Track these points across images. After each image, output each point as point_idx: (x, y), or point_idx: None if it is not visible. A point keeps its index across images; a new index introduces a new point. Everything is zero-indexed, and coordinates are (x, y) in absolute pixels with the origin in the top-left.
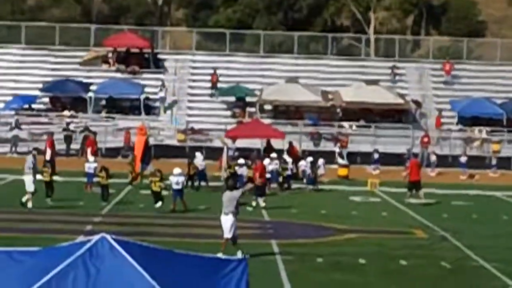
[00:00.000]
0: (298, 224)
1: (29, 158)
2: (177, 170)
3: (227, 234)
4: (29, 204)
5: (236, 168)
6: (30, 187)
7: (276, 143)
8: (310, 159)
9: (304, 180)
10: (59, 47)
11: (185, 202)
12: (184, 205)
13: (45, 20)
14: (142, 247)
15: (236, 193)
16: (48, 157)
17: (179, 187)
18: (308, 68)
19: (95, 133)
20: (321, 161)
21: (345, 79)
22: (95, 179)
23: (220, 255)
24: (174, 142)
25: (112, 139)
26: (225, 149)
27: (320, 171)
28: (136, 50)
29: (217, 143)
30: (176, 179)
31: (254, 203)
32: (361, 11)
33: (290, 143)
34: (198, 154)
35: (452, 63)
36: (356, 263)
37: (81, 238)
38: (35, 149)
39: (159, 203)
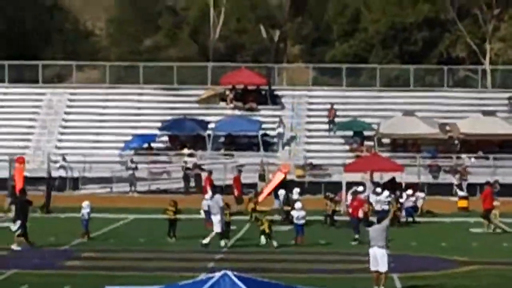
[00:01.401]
0: (418, 257)
1: (219, 198)
2: (298, 205)
3: (384, 268)
4: (205, 240)
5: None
6: (217, 227)
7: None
8: (409, 192)
9: (403, 213)
10: (177, 86)
11: (302, 238)
12: (301, 240)
13: (162, 60)
14: (263, 283)
15: (385, 223)
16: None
17: (301, 222)
18: (425, 101)
19: (210, 172)
20: (421, 194)
21: (462, 111)
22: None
23: None
24: (293, 177)
25: (232, 176)
26: (343, 184)
27: (419, 203)
28: (253, 87)
29: (335, 178)
30: (297, 214)
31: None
32: (477, 43)
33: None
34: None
35: None
36: None
37: (203, 275)
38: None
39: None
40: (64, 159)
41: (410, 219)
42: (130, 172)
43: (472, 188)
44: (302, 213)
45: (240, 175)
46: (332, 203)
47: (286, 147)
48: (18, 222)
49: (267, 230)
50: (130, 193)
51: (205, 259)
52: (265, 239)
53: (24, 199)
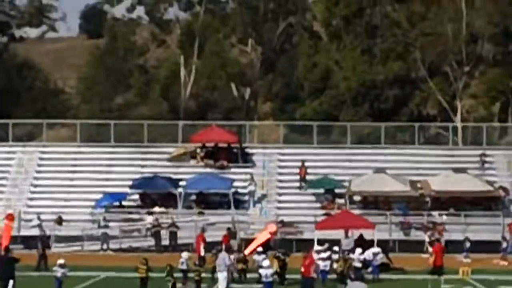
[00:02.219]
0: None
1: (225, 256)
2: (266, 263)
3: None
4: None
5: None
6: (223, 284)
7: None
8: (376, 249)
9: (369, 270)
10: (148, 144)
11: None
12: None
13: (133, 118)
14: None
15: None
16: (202, 253)
17: (268, 279)
18: (396, 158)
19: (203, 229)
20: (377, 249)
21: (433, 168)
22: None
23: None
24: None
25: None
26: (315, 241)
27: (376, 261)
28: (224, 145)
29: (307, 235)
30: (266, 271)
31: None
32: (448, 100)
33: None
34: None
35: None
36: None
37: None
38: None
39: None
40: (39, 218)
41: (375, 276)
42: (103, 230)
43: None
44: (270, 270)
45: (203, 233)
46: (279, 262)
47: (258, 205)
48: (11, 283)
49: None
50: (102, 251)
51: None
52: None
53: (11, 257)
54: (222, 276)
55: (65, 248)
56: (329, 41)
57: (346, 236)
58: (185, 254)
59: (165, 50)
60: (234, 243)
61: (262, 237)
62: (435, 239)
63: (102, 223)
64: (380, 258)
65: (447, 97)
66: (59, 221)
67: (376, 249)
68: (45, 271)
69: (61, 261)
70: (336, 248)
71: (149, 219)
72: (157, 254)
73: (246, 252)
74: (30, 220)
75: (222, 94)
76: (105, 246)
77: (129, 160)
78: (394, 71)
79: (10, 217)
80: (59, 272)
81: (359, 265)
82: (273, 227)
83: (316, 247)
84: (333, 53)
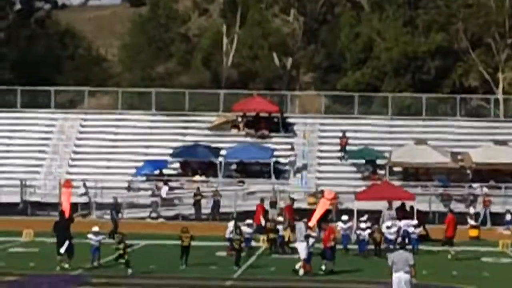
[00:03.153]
0: (429, 285)
1: (302, 225)
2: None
3: None
4: (301, 272)
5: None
6: (303, 254)
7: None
8: (414, 222)
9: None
10: (189, 113)
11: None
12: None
13: (174, 87)
14: None
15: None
16: (262, 222)
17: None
18: (437, 130)
19: (262, 200)
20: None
21: (474, 140)
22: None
23: None
24: (304, 205)
25: (242, 203)
26: (355, 212)
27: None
28: (265, 115)
29: (347, 206)
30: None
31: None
32: (489, 72)
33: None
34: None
35: None
36: None
37: None
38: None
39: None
40: (84, 185)
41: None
42: (153, 198)
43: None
44: (311, 240)
45: (262, 203)
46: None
47: (298, 175)
48: (66, 243)
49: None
50: (148, 219)
51: (215, 286)
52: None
53: (67, 218)
54: (302, 246)
55: (104, 216)
56: (371, 11)
57: (390, 208)
58: (231, 224)
59: (207, 19)
60: (274, 213)
61: (322, 206)
62: (448, 210)
63: (155, 191)
64: (419, 230)
65: (489, 69)
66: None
67: (414, 221)
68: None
69: (95, 228)
70: (363, 218)
71: (165, 188)
72: (197, 222)
73: (310, 224)
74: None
75: (264, 64)
76: (154, 214)
77: (170, 128)
78: (437, 42)
79: (68, 184)
80: (93, 240)
81: (391, 237)
82: (331, 193)
83: (344, 217)
84: (375, 23)
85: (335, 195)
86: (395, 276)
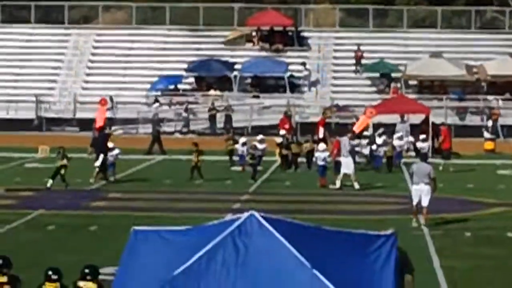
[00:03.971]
0: (444, 198)
1: (346, 141)
2: (322, 146)
3: (426, 203)
4: (357, 185)
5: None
6: (349, 169)
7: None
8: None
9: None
10: (203, 27)
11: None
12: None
13: (189, 1)
14: (291, 224)
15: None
16: (321, 135)
17: (324, 163)
18: (452, 43)
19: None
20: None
21: (489, 52)
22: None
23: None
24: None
25: (258, 118)
26: (370, 126)
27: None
28: (280, 29)
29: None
30: (322, 155)
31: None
32: None
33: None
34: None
35: None
36: (504, 236)
37: (229, 216)
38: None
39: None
40: (111, 100)
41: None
42: (185, 114)
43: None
44: (326, 154)
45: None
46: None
47: (313, 89)
48: (101, 157)
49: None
50: (177, 133)
51: (231, 200)
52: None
53: (104, 134)
54: (347, 161)
55: (120, 131)
56: None
57: (402, 121)
58: (242, 139)
59: None
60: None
61: (362, 122)
62: (441, 122)
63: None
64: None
65: None
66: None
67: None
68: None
69: (110, 144)
70: (380, 131)
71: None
72: (213, 137)
73: (355, 128)
74: (85, 103)
75: None
76: (185, 129)
77: (184, 43)
78: None
79: (103, 102)
80: (108, 155)
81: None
82: (372, 111)
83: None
84: None
85: (376, 113)
86: (415, 188)
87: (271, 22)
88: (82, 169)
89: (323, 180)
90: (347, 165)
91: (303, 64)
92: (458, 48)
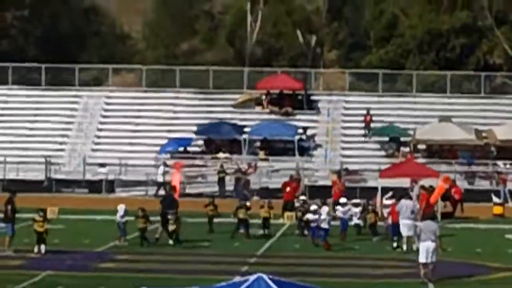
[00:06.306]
0: (452, 262)
1: (409, 204)
2: (325, 209)
3: (434, 259)
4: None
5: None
6: (404, 231)
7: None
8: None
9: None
10: (213, 90)
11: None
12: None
13: (198, 64)
14: (298, 286)
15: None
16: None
17: (327, 226)
18: (461, 107)
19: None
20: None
21: (499, 117)
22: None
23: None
24: (328, 182)
25: (267, 181)
26: (379, 190)
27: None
28: (289, 92)
29: (371, 183)
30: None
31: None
32: None
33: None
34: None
35: None
36: None
37: (237, 279)
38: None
39: None
40: (165, 165)
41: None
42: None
43: (509, 195)
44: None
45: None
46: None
47: (322, 152)
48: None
49: None
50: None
51: (239, 262)
52: None
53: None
54: (404, 223)
55: (129, 193)
56: None
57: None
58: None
59: None
60: (298, 191)
61: (439, 190)
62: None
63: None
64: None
65: None
66: None
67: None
68: None
69: (121, 206)
70: (358, 200)
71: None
72: (221, 199)
73: (432, 198)
74: (99, 164)
75: (288, 41)
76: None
77: (194, 106)
78: (461, 20)
79: (178, 165)
80: (118, 218)
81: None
82: (447, 180)
83: (341, 199)
84: (399, 1)
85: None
86: (422, 245)
87: (281, 86)
88: (90, 230)
89: (327, 243)
90: (404, 228)
91: (304, 130)
92: (467, 112)
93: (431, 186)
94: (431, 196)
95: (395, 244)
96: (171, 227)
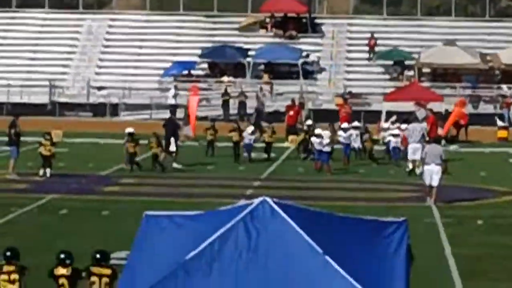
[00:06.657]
0: (457, 187)
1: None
2: (326, 133)
3: (436, 183)
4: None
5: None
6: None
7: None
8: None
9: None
10: (217, 13)
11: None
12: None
13: None
14: (303, 210)
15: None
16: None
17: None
18: (466, 31)
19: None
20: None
21: (504, 41)
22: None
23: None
24: (332, 106)
25: (271, 104)
26: (383, 113)
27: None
28: (294, 15)
29: (375, 107)
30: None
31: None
32: None
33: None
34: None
35: None
36: None
37: (242, 202)
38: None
39: None
40: (176, 88)
41: None
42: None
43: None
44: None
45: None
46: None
47: (326, 76)
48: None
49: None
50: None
51: (244, 186)
52: None
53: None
54: (413, 146)
55: (133, 116)
56: None
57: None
58: (250, 128)
59: None
60: (302, 114)
61: (456, 112)
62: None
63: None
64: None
65: None
66: None
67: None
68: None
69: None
70: (357, 123)
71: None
72: (225, 123)
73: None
74: (98, 88)
75: None
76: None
77: (198, 29)
78: None
79: (195, 89)
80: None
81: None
82: (464, 103)
83: (343, 124)
84: None
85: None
86: (426, 168)
87: (285, 9)
88: (95, 153)
89: (326, 166)
90: (415, 151)
91: (307, 55)
92: (472, 36)
93: (446, 110)
94: (434, 119)
95: (410, 166)
96: (154, 150)
